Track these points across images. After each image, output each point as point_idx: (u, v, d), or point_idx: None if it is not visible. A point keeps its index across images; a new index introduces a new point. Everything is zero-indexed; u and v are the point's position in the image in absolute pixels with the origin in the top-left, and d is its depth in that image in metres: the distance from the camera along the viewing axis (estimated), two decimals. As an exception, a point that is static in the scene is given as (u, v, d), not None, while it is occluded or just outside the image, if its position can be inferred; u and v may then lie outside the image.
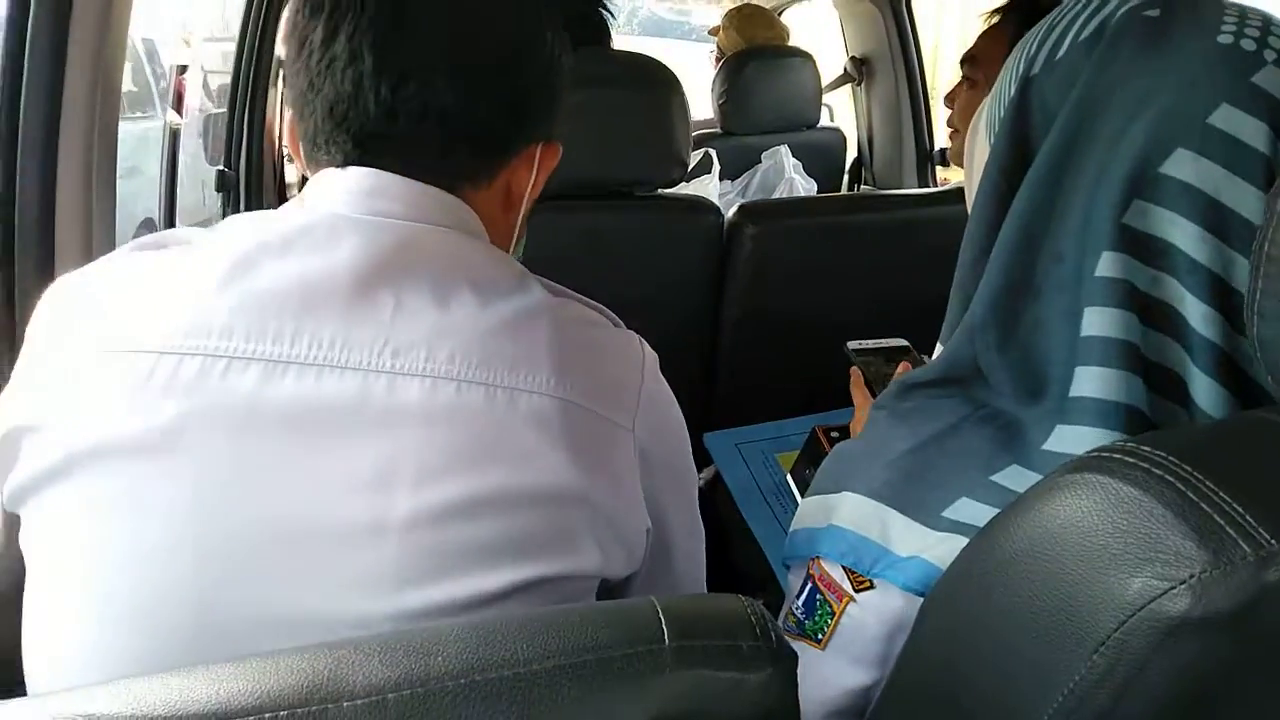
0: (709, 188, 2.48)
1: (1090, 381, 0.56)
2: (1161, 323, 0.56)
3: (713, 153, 2.48)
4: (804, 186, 2.56)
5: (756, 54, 2.57)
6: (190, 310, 0.57)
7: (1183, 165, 0.55)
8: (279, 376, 0.56)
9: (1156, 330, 0.57)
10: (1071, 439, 0.56)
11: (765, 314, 1.43)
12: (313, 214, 0.61)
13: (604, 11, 1.47)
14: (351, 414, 0.56)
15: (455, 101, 0.62)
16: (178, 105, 2.05)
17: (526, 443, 0.58)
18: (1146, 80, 0.56)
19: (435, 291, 0.59)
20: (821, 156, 2.68)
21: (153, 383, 0.55)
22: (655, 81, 1.32)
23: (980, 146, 0.69)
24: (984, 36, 1.59)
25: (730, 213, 1.42)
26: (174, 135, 2.00)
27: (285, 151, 2.56)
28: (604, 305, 0.74)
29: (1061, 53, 0.60)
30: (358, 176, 0.61)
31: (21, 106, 1.01)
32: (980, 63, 1.57)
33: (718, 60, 2.71)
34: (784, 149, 2.56)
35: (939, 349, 0.68)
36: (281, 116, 2.40)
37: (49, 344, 0.60)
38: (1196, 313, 0.55)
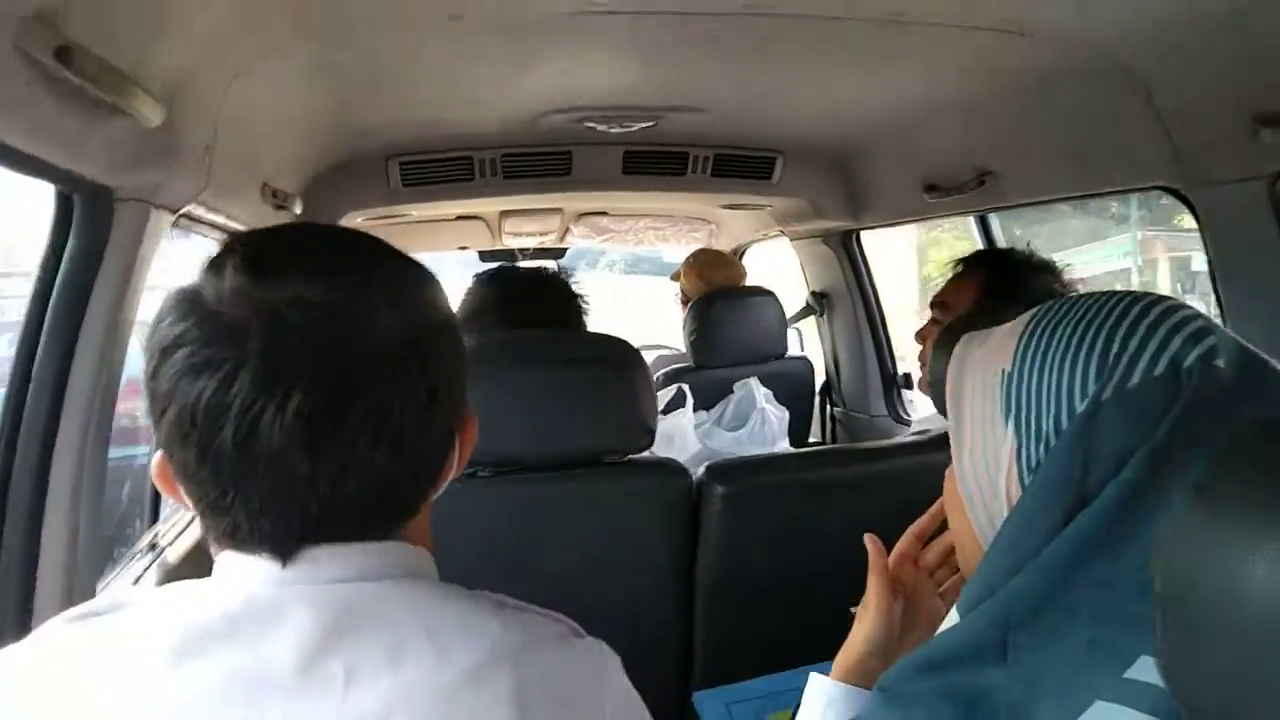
0: (684, 420, 2.57)
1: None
2: None
3: (686, 387, 2.58)
4: (776, 415, 2.64)
5: (723, 295, 2.73)
6: (138, 710, 0.54)
7: None
8: None
9: None
10: None
11: (740, 572, 1.44)
12: (252, 589, 0.58)
13: (581, 304, 1.59)
14: None
15: (388, 464, 0.58)
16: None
17: None
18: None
19: (389, 650, 0.57)
20: (791, 384, 2.79)
21: None
22: (622, 360, 1.40)
23: (987, 422, 0.68)
24: (953, 283, 1.70)
25: (698, 473, 1.47)
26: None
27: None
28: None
29: (1134, 382, 0.61)
30: (296, 564, 0.59)
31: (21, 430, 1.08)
32: (949, 307, 1.68)
33: (683, 302, 2.88)
34: (754, 380, 2.66)
35: (953, 615, 0.68)
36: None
37: None
38: None
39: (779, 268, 3.65)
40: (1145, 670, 0.54)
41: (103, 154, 0.94)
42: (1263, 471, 0.46)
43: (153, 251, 1.18)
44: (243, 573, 0.59)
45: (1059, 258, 1.69)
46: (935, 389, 1.39)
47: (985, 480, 0.68)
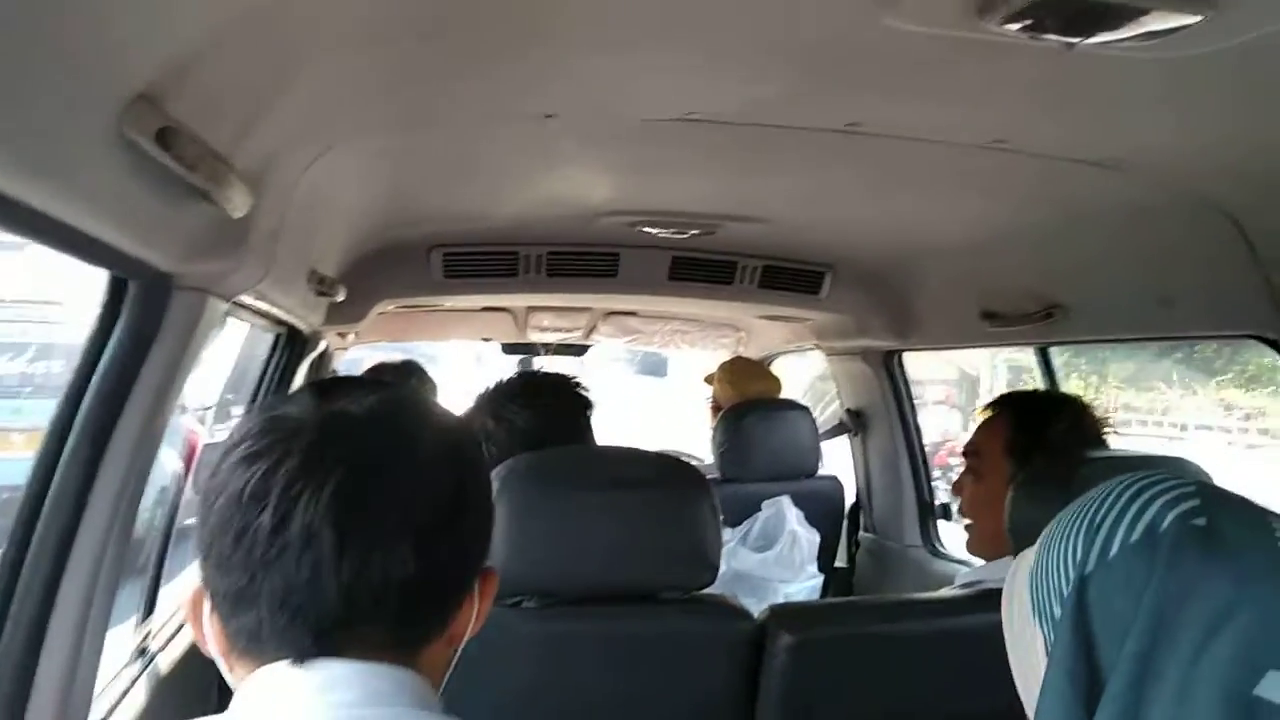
0: (711, 537, 2.44)
1: None
2: None
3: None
4: (807, 538, 2.52)
5: (754, 406, 2.64)
6: None
7: (1277, 688, 0.54)
8: None
9: None
10: None
11: (804, 727, 1.31)
12: (269, 711, 0.58)
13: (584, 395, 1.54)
14: None
15: (415, 569, 0.59)
16: (188, 458, 2.05)
17: None
18: (1221, 592, 0.57)
19: None
20: (821, 504, 2.67)
21: None
22: (687, 483, 1.30)
23: (1023, 626, 0.68)
24: (982, 429, 1.68)
25: (760, 613, 1.35)
26: (179, 483, 1.97)
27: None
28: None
29: (1114, 553, 0.61)
30: (310, 675, 0.59)
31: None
32: (982, 454, 1.64)
33: (714, 410, 2.79)
34: (785, 499, 2.54)
35: None
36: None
37: None
38: None
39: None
40: None
41: (178, 242, 0.85)
42: None
43: (204, 341, 1.09)
44: (261, 691, 0.59)
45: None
46: (1015, 536, 1.30)
47: (1034, 685, 0.66)
